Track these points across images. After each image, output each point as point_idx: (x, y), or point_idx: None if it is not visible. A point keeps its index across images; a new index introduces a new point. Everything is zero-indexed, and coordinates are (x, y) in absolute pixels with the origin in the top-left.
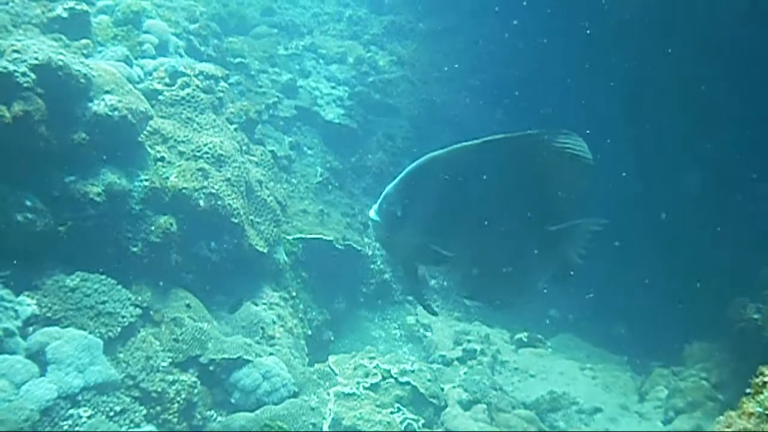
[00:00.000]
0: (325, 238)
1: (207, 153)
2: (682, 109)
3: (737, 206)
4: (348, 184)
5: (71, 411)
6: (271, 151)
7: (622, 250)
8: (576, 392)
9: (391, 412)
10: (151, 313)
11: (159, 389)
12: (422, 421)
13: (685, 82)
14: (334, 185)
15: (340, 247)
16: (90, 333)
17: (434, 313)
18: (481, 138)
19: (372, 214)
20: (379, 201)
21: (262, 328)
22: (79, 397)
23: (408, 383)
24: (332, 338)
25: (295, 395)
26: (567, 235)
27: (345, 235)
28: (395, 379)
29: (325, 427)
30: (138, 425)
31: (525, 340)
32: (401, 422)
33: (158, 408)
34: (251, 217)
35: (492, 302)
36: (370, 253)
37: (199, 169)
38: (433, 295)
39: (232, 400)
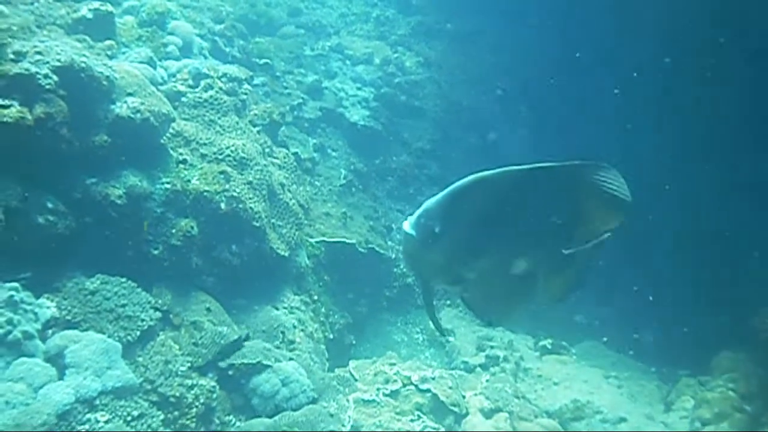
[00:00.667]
0: (347, 241)
1: (229, 156)
2: (716, 117)
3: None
4: (372, 186)
5: (88, 415)
6: (295, 153)
7: (651, 258)
8: (600, 401)
9: (411, 420)
10: (171, 316)
11: (177, 394)
12: (442, 429)
13: (716, 84)
14: (358, 188)
15: (362, 250)
16: (109, 336)
17: (443, 334)
18: (529, 163)
19: (406, 226)
20: (416, 214)
21: (283, 332)
22: (97, 402)
23: (428, 391)
24: (354, 342)
25: (314, 401)
26: (577, 256)
27: (368, 239)
28: (416, 386)
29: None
30: (156, 429)
31: (549, 347)
32: (421, 431)
33: (176, 413)
34: (273, 221)
35: (488, 318)
36: (393, 256)
37: (221, 172)
38: (456, 299)
39: (252, 405)
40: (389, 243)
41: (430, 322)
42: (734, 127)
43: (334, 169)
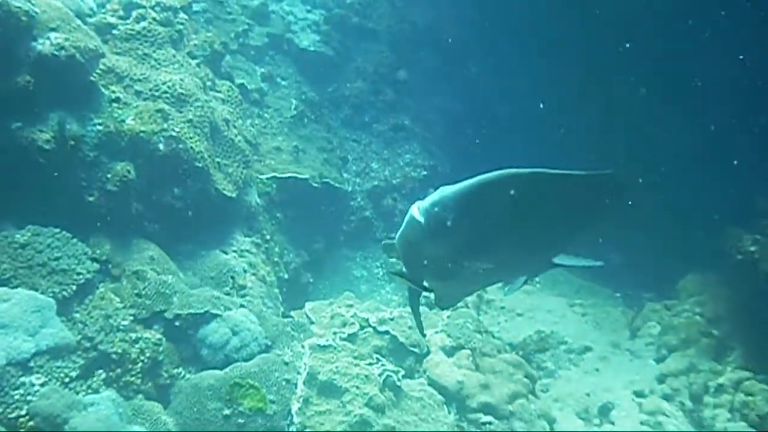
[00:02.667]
0: (300, 176)
1: (166, 92)
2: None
3: (732, 134)
4: (325, 116)
5: (22, 379)
6: (241, 85)
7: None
8: (565, 331)
9: (370, 364)
10: (111, 267)
11: (120, 350)
12: (402, 372)
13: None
14: (310, 118)
15: (316, 185)
16: (42, 293)
17: (423, 335)
18: (565, 169)
19: (415, 211)
20: (430, 200)
21: (232, 277)
22: (31, 363)
23: (387, 332)
24: (311, 280)
25: (267, 349)
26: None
27: (322, 172)
28: (374, 328)
29: (300, 383)
30: (96, 390)
31: None
32: (380, 375)
33: (119, 370)
34: (217, 160)
35: (443, 305)
36: (349, 189)
37: (158, 111)
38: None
39: (201, 356)
40: (345, 175)
41: (414, 321)
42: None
43: (284, 99)
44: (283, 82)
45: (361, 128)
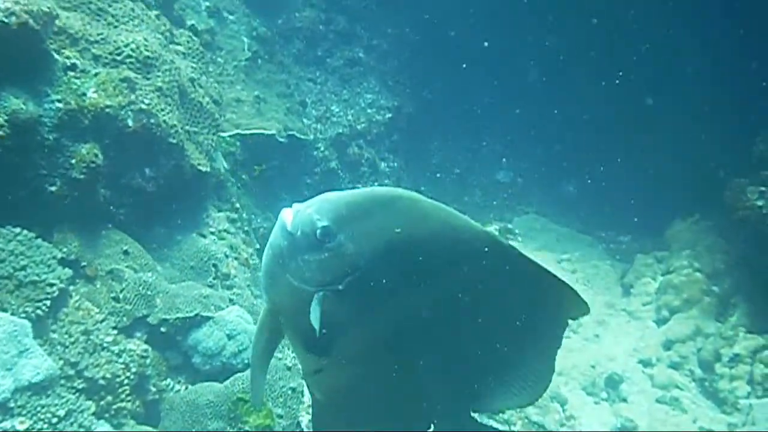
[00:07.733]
0: (266, 132)
1: (130, 56)
2: None
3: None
4: (278, 53)
5: (3, 423)
6: (191, 26)
7: (595, 122)
8: None
9: None
10: (81, 267)
11: (108, 375)
12: None
13: None
14: (264, 58)
15: (282, 140)
16: (13, 314)
17: (260, 406)
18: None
19: (288, 215)
20: (307, 202)
21: (215, 265)
22: (11, 404)
23: None
24: None
25: None
26: None
27: (287, 125)
28: None
29: (307, 391)
30: (89, 428)
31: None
32: None
33: (109, 397)
34: (187, 128)
35: None
36: (311, 138)
37: (123, 80)
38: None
39: (192, 365)
40: (306, 121)
41: (252, 383)
42: None
43: (235, 38)
44: (231, 17)
45: (314, 64)
